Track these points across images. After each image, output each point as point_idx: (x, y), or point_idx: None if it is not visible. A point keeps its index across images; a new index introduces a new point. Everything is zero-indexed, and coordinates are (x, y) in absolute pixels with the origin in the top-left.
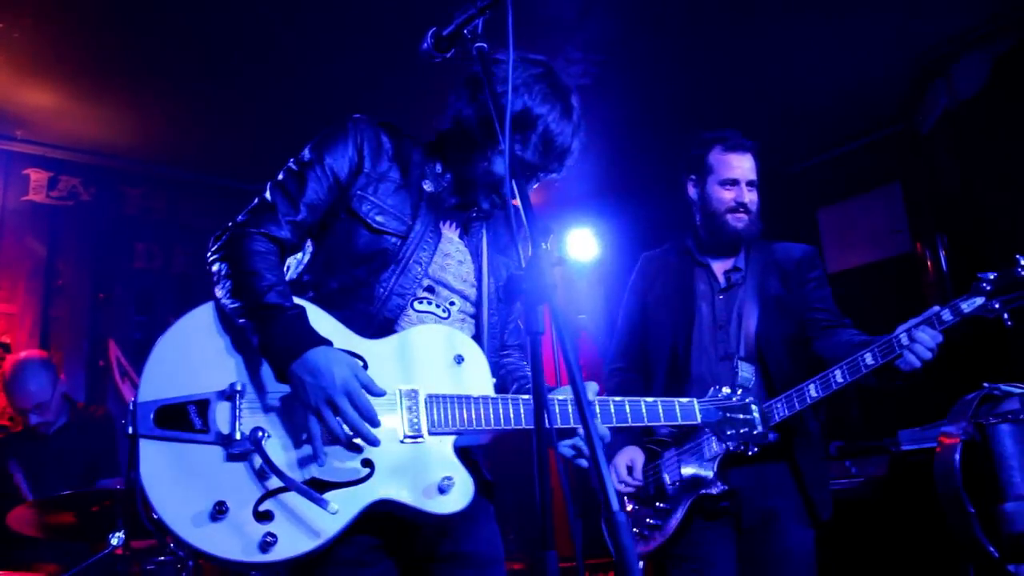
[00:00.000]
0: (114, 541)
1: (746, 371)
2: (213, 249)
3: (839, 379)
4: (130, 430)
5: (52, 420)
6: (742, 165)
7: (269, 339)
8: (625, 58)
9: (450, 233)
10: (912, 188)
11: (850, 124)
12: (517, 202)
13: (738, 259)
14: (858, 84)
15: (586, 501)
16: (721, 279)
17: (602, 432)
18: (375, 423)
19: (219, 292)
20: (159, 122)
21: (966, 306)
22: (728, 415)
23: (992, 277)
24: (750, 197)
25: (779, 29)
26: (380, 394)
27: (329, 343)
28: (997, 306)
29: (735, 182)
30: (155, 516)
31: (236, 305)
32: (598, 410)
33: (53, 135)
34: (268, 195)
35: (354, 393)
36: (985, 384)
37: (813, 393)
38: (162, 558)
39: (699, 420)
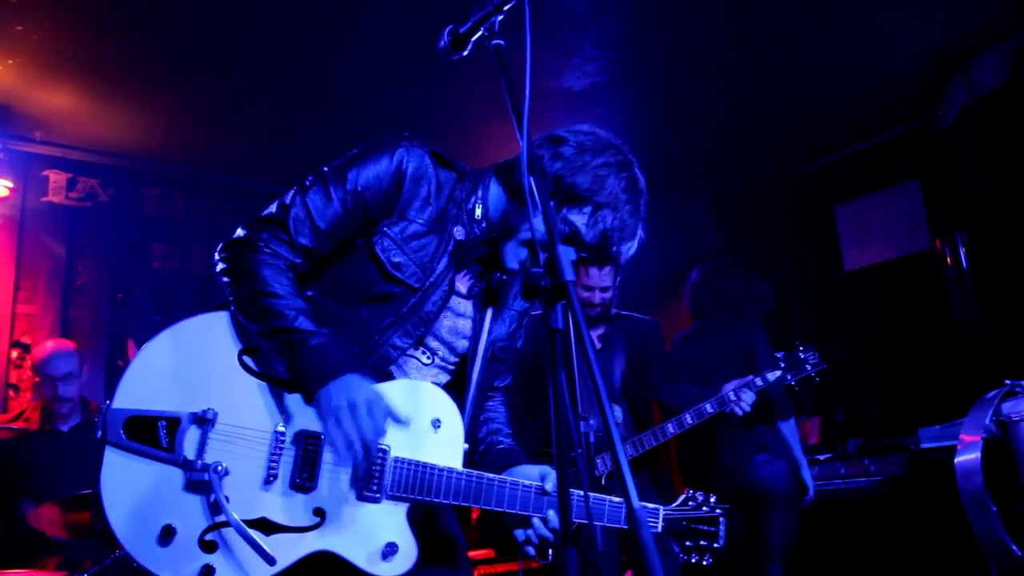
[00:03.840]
0: None
1: (617, 411)
2: (224, 257)
3: (689, 421)
4: (99, 434)
5: (70, 411)
6: (595, 276)
7: (305, 363)
8: (640, 55)
9: (462, 285)
10: (931, 185)
11: (868, 121)
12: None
13: (606, 329)
14: (876, 80)
15: None
16: (597, 342)
17: (554, 524)
18: (380, 435)
19: (236, 308)
20: (176, 123)
21: (771, 376)
22: (692, 526)
23: (783, 356)
24: (602, 297)
25: (795, 25)
26: (403, 422)
27: (359, 371)
28: (789, 377)
29: (591, 288)
30: (107, 525)
31: (260, 327)
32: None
33: (71, 137)
34: (289, 207)
35: (376, 407)
36: (1007, 381)
37: (671, 429)
38: None
39: (660, 529)
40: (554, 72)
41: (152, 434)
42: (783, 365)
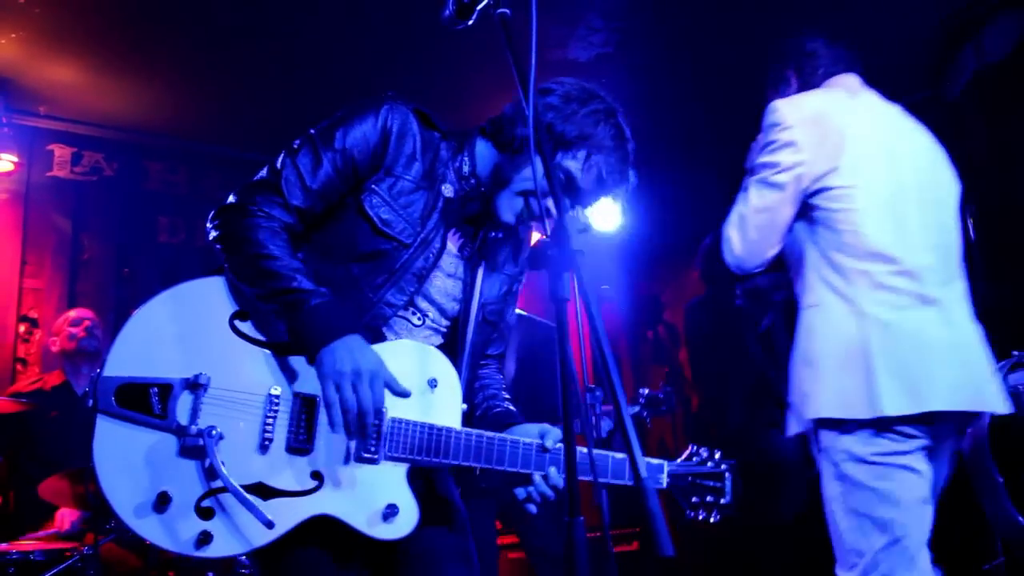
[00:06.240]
0: None
1: None
2: (217, 224)
3: None
4: (90, 403)
5: (96, 349)
6: None
7: (306, 323)
8: (647, 26)
9: (452, 245)
10: None
11: (875, 90)
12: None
13: None
14: (883, 48)
15: None
16: None
17: (554, 481)
18: (378, 412)
19: (233, 274)
20: (181, 96)
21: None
22: (698, 482)
23: (645, 393)
24: None
25: None
26: (402, 393)
27: (360, 331)
28: (644, 414)
29: None
30: (102, 494)
31: (258, 289)
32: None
33: (76, 111)
34: (279, 170)
35: (377, 379)
36: (1014, 352)
37: None
38: None
39: (664, 485)
40: (559, 42)
41: (144, 401)
42: (641, 402)
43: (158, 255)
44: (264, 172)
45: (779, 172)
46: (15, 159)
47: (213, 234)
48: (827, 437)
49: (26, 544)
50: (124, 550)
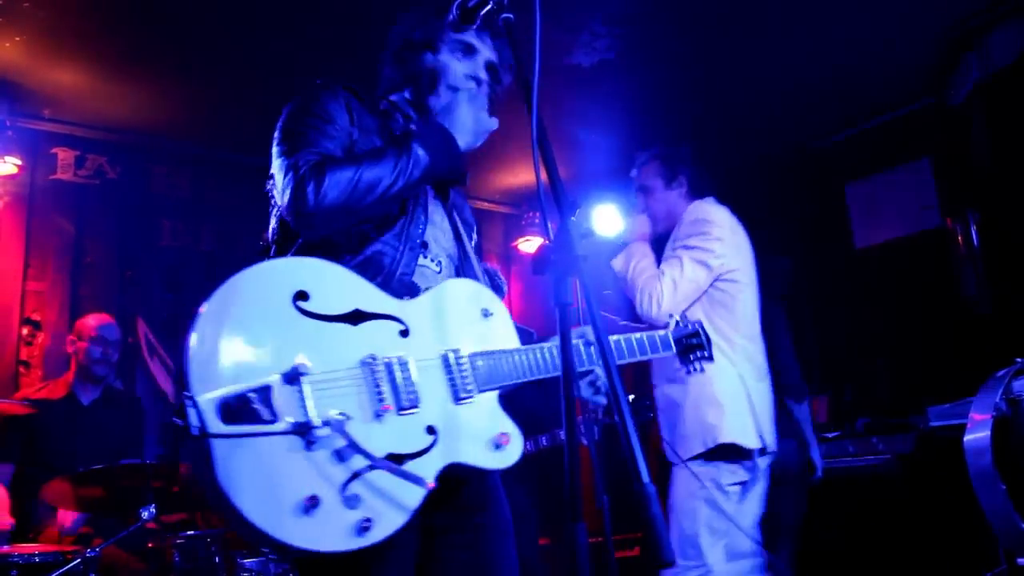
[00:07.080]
0: (145, 515)
1: None
2: (305, 223)
3: (544, 442)
4: (196, 432)
5: (105, 374)
6: None
7: (433, 163)
8: (650, 31)
9: (427, 195)
10: (942, 163)
11: (879, 97)
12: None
13: None
14: (887, 56)
15: (614, 475)
16: None
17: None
18: None
19: (361, 212)
20: (184, 100)
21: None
22: (688, 341)
23: (630, 399)
24: None
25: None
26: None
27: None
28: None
29: None
30: (247, 523)
31: (387, 191)
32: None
33: (80, 114)
34: (296, 167)
35: None
36: (1017, 360)
37: (529, 447)
38: (191, 532)
39: (674, 351)
40: (563, 48)
41: (250, 411)
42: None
43: (161, 258)
44: (284, 179)
45: (712, 257)
46: (18, 162)
47: (311, 233)
48: (705, 465)
49: (28, 547)
50: (127, 554)
